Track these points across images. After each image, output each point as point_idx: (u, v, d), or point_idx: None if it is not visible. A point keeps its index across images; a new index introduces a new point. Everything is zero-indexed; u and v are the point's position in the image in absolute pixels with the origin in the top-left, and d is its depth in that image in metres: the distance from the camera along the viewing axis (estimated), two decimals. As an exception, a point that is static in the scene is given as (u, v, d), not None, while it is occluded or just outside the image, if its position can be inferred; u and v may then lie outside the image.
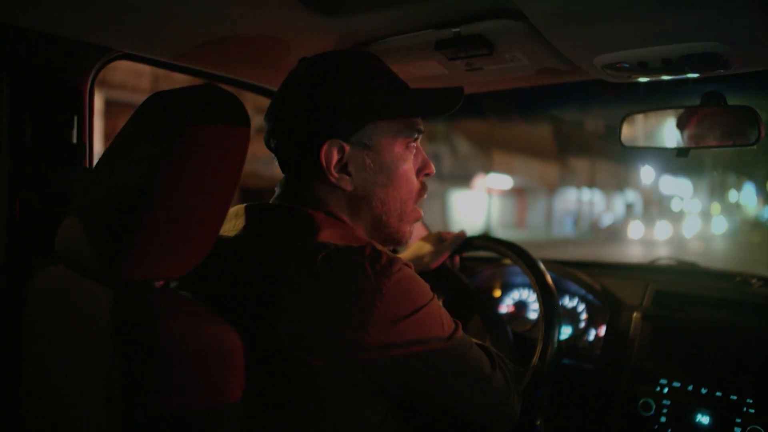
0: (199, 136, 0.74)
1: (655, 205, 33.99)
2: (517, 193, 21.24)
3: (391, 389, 0.86)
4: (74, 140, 1.21)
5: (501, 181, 19.72)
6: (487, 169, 19.10)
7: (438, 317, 0.89)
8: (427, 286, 0.90)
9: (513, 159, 19.94)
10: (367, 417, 0.86)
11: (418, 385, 0.88)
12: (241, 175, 0.80)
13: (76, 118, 1.21)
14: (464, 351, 0.93)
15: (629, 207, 31.61)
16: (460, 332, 0.93)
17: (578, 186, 26.13)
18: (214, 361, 0.69)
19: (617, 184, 30.50)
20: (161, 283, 0.75)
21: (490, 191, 19.33)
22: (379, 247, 0.88)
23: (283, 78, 1.00)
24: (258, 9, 1.06)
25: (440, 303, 0.93)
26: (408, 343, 0.84)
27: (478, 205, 18.83)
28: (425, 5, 1.04)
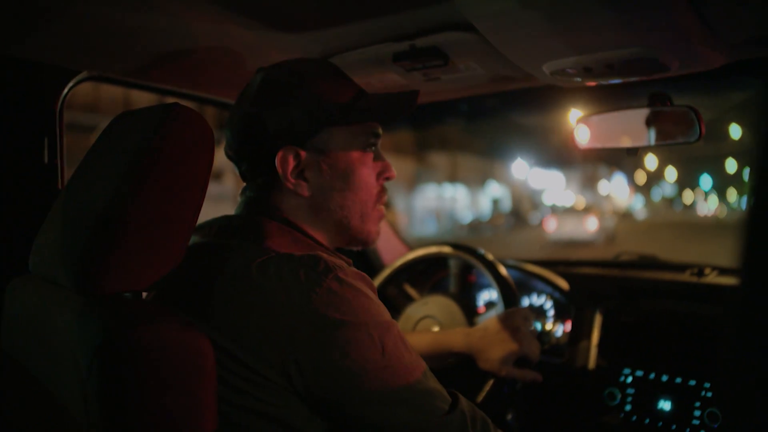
0: (165, 153, 0.77)
1: (526, 199, 33.28)
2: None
3: (323, 404, 0.82)
4: (46, 160, 1.23)
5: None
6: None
7: (369, 340, 0.81)
8: (370, 305, 0.84)
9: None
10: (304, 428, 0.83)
11: (347, 405, 0.81)
12: (206, 189, 0.84)
13: (47, 139, 1.23)
14: (404, 384, 0.82)
15: (496, 202, 30.74)
16: (415, 373, 0.84)
17: (439, 182, 24.90)
18: (187, 364, 0.71)
19: (482, 178, 29.33)
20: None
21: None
22: (326, 256, 0.85)
23: None
24: (221, 26, 1.10)
25: (394, 329, 0.85)
26: (333, 355, 0.79)
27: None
28: (382, 20, 1.09)
